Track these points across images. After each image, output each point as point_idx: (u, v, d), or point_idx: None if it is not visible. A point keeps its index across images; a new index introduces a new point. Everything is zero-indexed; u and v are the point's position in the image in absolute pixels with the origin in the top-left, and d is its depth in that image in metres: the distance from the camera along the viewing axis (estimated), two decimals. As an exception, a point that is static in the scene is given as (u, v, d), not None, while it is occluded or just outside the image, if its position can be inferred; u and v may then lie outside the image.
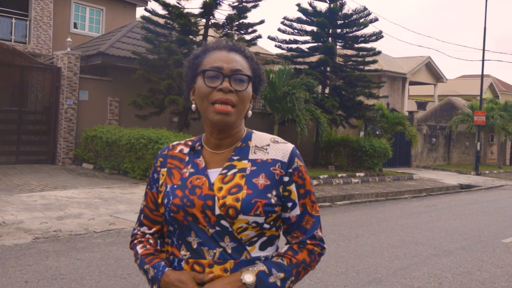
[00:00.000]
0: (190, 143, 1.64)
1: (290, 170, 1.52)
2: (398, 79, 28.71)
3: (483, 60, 22.05)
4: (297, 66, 17.11)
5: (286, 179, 1.52)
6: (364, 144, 16.66)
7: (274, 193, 1.49)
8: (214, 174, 1.52)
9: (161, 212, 1.59)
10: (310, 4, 17.32)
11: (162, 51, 12.76)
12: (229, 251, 1.46)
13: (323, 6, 17.39)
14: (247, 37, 13.88)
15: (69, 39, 14.32)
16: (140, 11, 23.38)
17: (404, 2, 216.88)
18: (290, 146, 1.56)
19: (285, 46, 17.92)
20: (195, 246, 1.48)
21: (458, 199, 13.85)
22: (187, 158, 1.59)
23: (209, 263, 1.47)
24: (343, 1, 17.22)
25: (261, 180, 1.49)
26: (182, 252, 1.51)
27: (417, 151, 23.68)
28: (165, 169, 1.60)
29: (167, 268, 1.51)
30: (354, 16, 17.25)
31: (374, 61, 17.17)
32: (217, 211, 1.46)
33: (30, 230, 7.02)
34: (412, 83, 31.65)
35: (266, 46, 49.80)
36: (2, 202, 8.60)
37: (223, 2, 13.37)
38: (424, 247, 7.28)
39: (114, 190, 10.42)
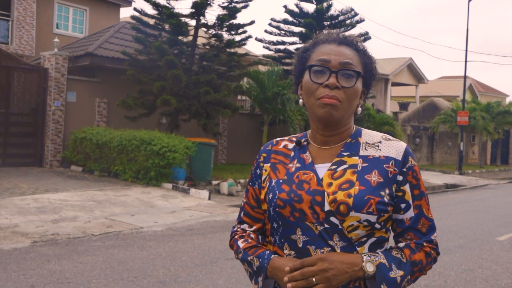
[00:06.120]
0: (294, 139, 1.59)
1: (404, 169, 1.46)
2: (381, 80, 28.99)
3: (465, 61, 22.39)
4: (285, 67, 17.13)
5: (399, 178, 1.45)
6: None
7: (387, 191, 1.43)
8: (322, 169, 1.46)
9: (263, 209, 1.55)
10: (297, 6, 17.37)
11: (152, 51, 12.64)
12: (338, 251, 1.39)
13: (310, 8, 17.48)
14: (237, 37, 13.84)
15: (56, 40, 14.09)
16: (124, 12, 23.17)
17: (383, 5, 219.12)
18: (403, 144, 1.49)
19: (272, 47, 17.94)
20: (300, 245, 1.42)
21: (446, 199, 14.02)
22: (292, 153, 1.54)
23: None
24: (330, 2, 17.31)
25: (374, 177, 1.42)
26: (286, 251, 1.45)
27: (401, 152, 23.90)
28: (269, 164, 1.56)
29: (273, 255, 1.46)
30: (341, 17, 17.36)
31: (362, 62, 17.26)
32: (327, 207, 1.39)
33: (27, 233, 6.89)
34: (394, 84, 31.99)
35: (251, 47, 49.77)
36: (-5, 205, 8.42)
37: (213, 3, 13.31)
38: (423, 246, 7.33)
39: (107, 193, 10.28)
